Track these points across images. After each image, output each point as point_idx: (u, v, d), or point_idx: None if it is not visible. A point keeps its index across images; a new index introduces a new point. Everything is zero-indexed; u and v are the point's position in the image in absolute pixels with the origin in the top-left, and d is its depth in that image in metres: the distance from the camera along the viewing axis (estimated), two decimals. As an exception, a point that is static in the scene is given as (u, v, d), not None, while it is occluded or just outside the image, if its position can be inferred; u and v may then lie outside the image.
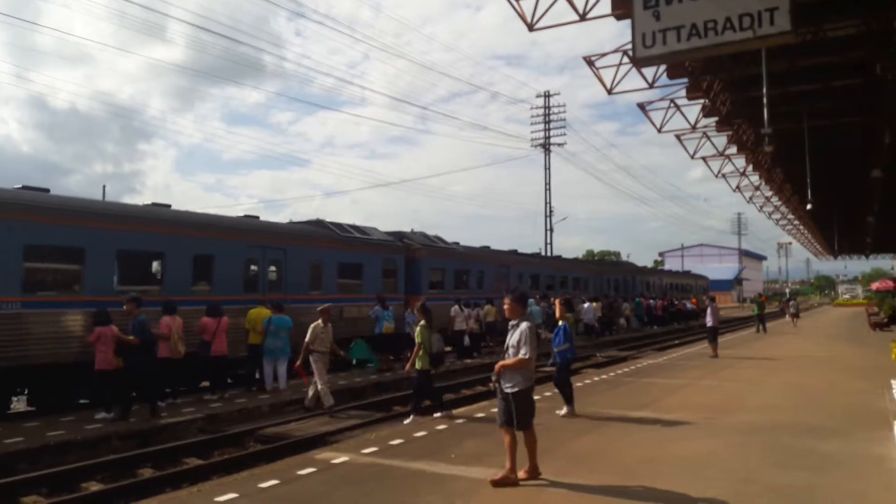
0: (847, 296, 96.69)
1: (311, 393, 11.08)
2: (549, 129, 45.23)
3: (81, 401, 11.27)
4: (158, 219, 12.83)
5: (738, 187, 24.52)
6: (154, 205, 13.62)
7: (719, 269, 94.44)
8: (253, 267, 14.73)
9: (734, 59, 12.19)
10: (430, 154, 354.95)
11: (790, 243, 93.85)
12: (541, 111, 45.61)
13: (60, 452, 8.51)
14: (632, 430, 8.04)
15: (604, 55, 13.16)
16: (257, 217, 16.11)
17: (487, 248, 25.72)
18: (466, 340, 19.05)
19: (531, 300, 18.50)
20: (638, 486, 5.64)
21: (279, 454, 8.36)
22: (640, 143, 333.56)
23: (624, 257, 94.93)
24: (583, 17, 10.34)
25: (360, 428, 9.94)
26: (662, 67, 12.99)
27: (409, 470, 6.31)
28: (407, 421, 9.41)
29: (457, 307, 18.81)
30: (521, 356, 5.77)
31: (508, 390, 5.81)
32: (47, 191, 11.57)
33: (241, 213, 16.06)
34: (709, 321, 17.33)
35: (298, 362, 10.90)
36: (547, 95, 45.69)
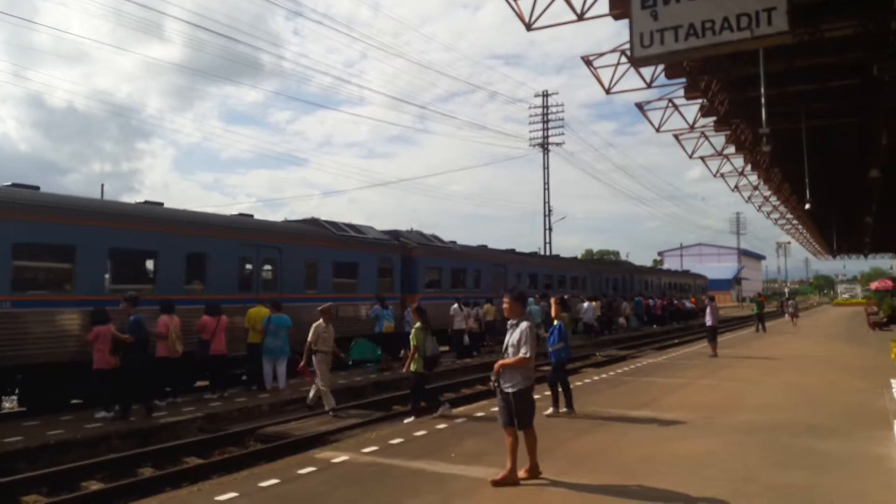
0: (846, 295, 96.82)
1: (312, 392, 11.07)
2: (547, 129, 45.29)
3: (74, 401, 11.24)
4: (151, 217, 12.78)
5: (736, 187, 24.56)
6: (146, 203, 13.60)
7: (718, 268, 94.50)
8: (247, 266, 14.68)
9: (732, 59, 12.22)
10: (428, 153, 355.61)
11: (789, 243, 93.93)
12: (539, 111, 45.67)
13: (60, 452, 8.51)
14: (631, 430, 8.06)
15: (602, 55, 13.18)
16: (252, 216, 16.08)
17: (484, 247, 25.76)
18: (466, 339, 19.06)
19: (530, 299, 18.53)
20: (638, 486, 5.65)
21: (279, 453, 8.37)
22: (638, 142, 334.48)
23: (623, 257, 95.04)
24: (580, 17, 10.35)
25: (360, 427, 9.94)
26: (660, 67, 13.02)
27: (409, 469, 6.32)
28: (407, 420, 9.42)
29: (456, 306, 18.81)
30: (521, 355, 5.76)
31: (508, 390, 5.81)
32: (37, 188, 11.49)
33: (238, 212, 16.05)
34: (708, 320, 17.35)
35: (303, 363, 10.85)
36: (545, 95, 45.75)
